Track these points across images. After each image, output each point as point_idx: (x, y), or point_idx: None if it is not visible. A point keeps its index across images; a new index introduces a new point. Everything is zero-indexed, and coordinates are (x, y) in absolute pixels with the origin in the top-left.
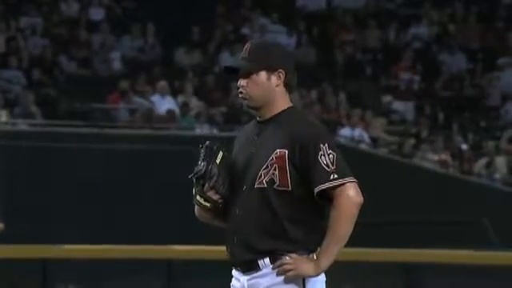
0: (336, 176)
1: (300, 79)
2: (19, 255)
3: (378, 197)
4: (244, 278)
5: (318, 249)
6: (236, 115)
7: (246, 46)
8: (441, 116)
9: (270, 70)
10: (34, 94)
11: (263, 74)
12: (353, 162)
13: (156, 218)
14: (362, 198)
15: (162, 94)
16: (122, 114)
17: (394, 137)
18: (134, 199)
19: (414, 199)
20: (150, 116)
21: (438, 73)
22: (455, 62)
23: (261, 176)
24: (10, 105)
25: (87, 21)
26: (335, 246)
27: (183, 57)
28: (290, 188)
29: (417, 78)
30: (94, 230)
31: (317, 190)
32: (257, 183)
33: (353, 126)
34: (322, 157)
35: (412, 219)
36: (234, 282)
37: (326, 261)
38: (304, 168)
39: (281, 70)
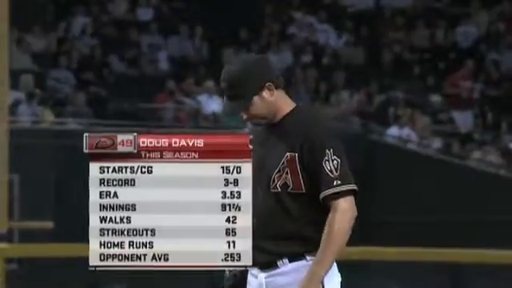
0: (339, 182)
1: (348, 78)
2: (68, 254)
3: (425, 196)
4: (262, 275)
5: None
6: None
7: (222, 84)
8: (489, 115)
9: (258, 91)
10: (83, 93)
11: (255, 99)
12: (401, 161)
13: None
14: (356, 212)
15: (210, 94)
16: (169, 113)
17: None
18: None
19: (461, 199)
20: (196, 115)
21: (487, 72)
22: (504, 61)
23: (274, 180)
24: (59, 104)
25: (136, 21)
26: (330, 258)
27: (231, 57)
28: (304, 190)
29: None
30: None
31: (321, 196)
32: (271, 187)
33: (401, 126)
34: (327, 162)
35: (459, 219)
36: (250, 278)
37: (322, 271)
38: (310, 170)
39: (267, 84)
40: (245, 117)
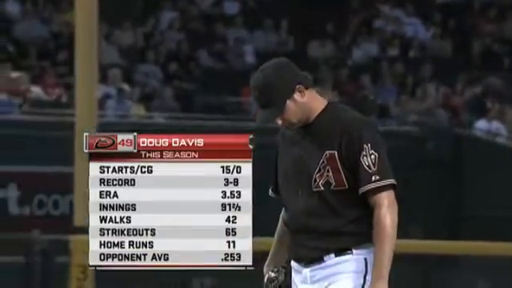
0: (377, 177)
1: (435, 71)
2: None
3: None
4: (306, 270)
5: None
6: (366, 108)
7: (254, 94)
8: None
9: (290, 95)
10: (170, 87)
11: (288, 103)
12: (489, 155)
13: None
14: (397, 206)
15: None
16: (254, 107)
17: None
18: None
19: None
20: None
21: None
22: None
23: (316, 180)
24: (147, 98)
25: (222, 15)
26: (388, 256)
27: (316, 50)
28: (346, 186)
29: None
30: None
31: (360, 191)
32: (313, 187)
33: (490, 119)
34: (365, 157)
35: None
36: (294, 275)
37: (386, 271)
38: (350, 166)
39: (297, 87)
40: (280, 122)
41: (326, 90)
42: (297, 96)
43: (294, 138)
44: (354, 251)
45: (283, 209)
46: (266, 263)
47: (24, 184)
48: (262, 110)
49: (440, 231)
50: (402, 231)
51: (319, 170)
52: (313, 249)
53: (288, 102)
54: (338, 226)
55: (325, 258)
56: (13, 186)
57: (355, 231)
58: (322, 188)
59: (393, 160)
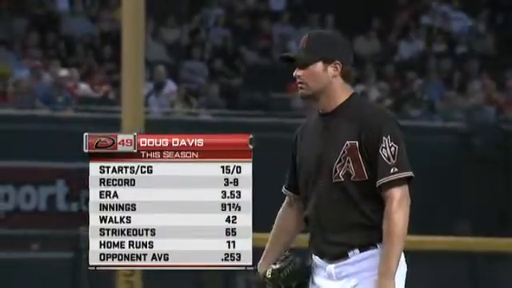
0: (396, 170)
1: (482, 67)
2: None
3: None
4: (330, 267)
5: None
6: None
7: (304, 37)
8: None
9: (327, 61)
10: (216, 84)
11: (319, 65)
12: None
13: None
14: (410, 199)
15: None
16: (299, 103)
17: None
18: None
19: None
20: None
21: None
22: None
23: (336, 171)
24: (193, 95)
25: (268, 11)
26: (397, 249)
27: (362, 46)
28: (366, 177)
29: None
30: None
31: (378, 183)
32: (334, 178)
33: None
34: (384, 149)
35: None
36: (316, 269)
37: (393, 264)
38: (370, 157)
39: (337, 62)
40: (298, 73)
41: (369, 87)
42: (330, 68)
43: (315, 129)
44: (378, 245)
45: (283, 206)
46: (260, 261)
47: (72, 180)
48: (298, 50)
49: (487, 228)
50: (451, 228)
51: (340, 161)
52: (336, 244)
53: (320, 63)
54: (360, 219)
55: (349, 254)
56: (61, 183)
57: (377, 224)
58: (342, 179)
59: (440, 156)
